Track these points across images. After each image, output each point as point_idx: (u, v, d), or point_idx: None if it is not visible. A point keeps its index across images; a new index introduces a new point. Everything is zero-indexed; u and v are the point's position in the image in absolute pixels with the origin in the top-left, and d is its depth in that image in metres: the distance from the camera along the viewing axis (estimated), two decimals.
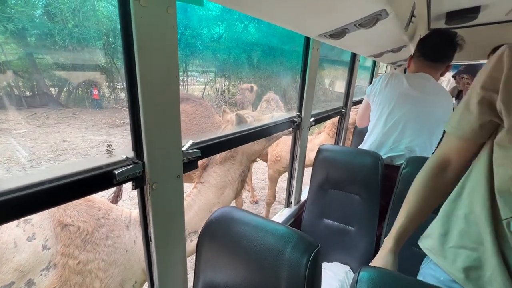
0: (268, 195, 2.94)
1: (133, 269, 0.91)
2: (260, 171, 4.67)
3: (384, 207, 1.30)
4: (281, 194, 3.91)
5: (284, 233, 0.62)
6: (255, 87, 3.62)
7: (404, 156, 1.33)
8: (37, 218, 0.74)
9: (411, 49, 1.82)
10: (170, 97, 0.60)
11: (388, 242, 0.71)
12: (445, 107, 1.31)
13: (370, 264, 0.75)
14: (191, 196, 1.10)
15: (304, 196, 1.62)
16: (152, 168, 0.61)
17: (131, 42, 0.52)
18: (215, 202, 1.12)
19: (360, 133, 2.09)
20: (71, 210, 0.80)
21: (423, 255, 1.00)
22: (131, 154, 0.60)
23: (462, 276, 0.58)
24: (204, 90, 10.40)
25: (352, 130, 2.29)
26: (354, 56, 1.93)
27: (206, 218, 1.08)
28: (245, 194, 3.83)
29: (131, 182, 0.61)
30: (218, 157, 1.15)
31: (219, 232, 0.70)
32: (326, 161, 1.38)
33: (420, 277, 0.71)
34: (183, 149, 0.70)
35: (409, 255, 1.17)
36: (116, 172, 0.55)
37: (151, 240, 0.67)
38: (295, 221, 1.52)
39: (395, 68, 3.55)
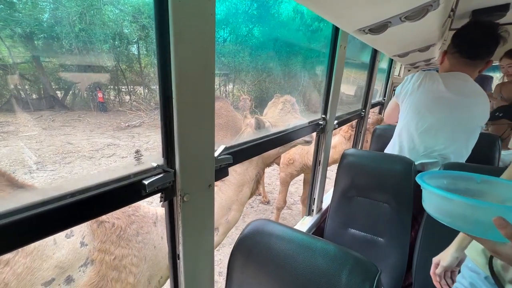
0: (279, 200, 2.85)
1: (160, 264, 0.92)
2: (266, 175, 4.58)
3: (414, 217, 1.21)
4: (288, 198, 3.82)
5: (336, 254, 0.53)
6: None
7: (438, 164, 1.23)
8: None
9: (436, 49, 1.74)
10: (206, 95, 0.52)
11: (457, 241, 0.79)
12: (483, 111, 1.20)
13: (438, 257, 0.83)
14: None
15: (325, 203, 1.53)
16: (184, 177, 0.53)
17: (166, 31, 0.45)
18: (234, 200, 1.15)
19: (379, 137, 1.99)
20: None
21: None
22: (160, 161, 0.52)
23: (483, 261, 0.64)
24: None
25: (371, 130, 2.18)
26: (374, 57, 1.85)
27: (225, 215, 1.12)
28: (251, 199, 3.77)
29: (160, 193, 0.53)
30: None
31: (255, 250, 0.62)
32: (352, 166, 1.30)
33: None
34: (215, 154, 0.62)
35: None
36: (146, 182, 0.47)
37: (179, 259, 0.59)
38: (317, 230, 1.43)
39: (409, 70, 3.47)
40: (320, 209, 1.48)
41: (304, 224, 1.37)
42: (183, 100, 0.48)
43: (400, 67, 3.52)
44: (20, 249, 0.61)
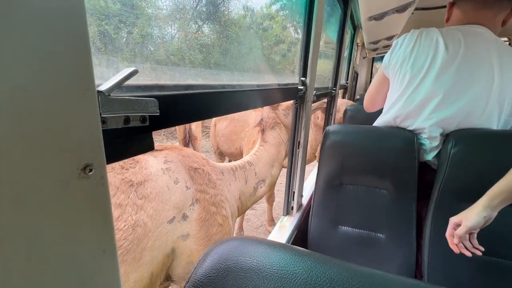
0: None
1: (232, 202, 1.06)
2: None
3: (420, 204, 0.97)
4: None
5: None
6: None
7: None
8: (173, 166, 0.84)
9: (406, 16, 1.59)
10: None
11: (485, 199, 0.67)
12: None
13: (457, 216, 0.71)
14: (260, 152, 1.25)
15: (306, 197, 1.23)
16: None
17: None
18: (275, 159, 1.28)
19: (352, 119, 1.78)
20: (193, 158, 0.93)
21: (507, 266, 0.81)
22: None
23: None
24: None
25: (340, 115, 1.95)
26: (342, 28, 1.63)
27: (270, 170, 1.25)
28: None
29: None
30: (268, 124, 1.32)
31: None
32: (338, 146, 1.01)
33: None
34: (102, 88, 0.23)
35: (491, 265, 0.84)
36: None
37: None
38: (300, 232, 1.11)
39: (364, 57, 3.46)
40: (301, 205, 1.17)
41: (284, 227, 1.04)
42: None
43: (356, 55, 3.51)
44: (146, 196, 0.72)
